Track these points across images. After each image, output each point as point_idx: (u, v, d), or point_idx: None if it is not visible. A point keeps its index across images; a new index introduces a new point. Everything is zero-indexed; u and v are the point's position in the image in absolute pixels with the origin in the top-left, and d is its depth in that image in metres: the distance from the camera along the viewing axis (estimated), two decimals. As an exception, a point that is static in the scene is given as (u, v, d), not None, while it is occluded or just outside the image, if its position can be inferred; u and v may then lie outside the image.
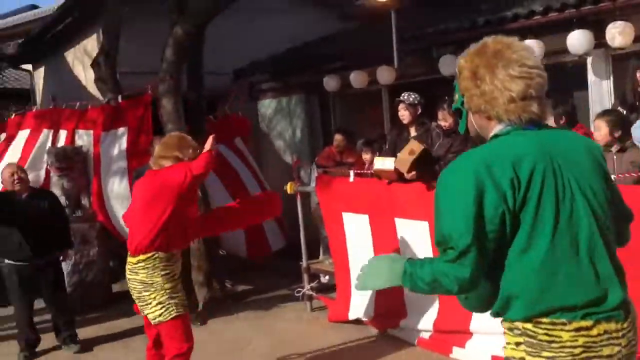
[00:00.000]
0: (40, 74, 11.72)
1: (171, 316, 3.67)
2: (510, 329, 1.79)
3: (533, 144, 1.79)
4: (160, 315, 3.66)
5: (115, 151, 7.12)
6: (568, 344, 1.71)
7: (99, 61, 7.60)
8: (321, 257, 6.55)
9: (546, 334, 1.73)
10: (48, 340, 5.49)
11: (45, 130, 7.19)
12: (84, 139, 7.25)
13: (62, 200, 6.66)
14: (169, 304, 3.68)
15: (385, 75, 7.35)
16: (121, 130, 7.20)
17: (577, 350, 1.71)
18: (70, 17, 9.30)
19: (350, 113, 8.81)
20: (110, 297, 6.83)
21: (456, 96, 1.98)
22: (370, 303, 5.20)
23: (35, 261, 5.16)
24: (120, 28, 7.60)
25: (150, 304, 3.68)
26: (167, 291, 3.70)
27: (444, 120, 5.05)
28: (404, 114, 5.34)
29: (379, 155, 5.41)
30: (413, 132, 5.38)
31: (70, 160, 6.96)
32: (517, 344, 1.78)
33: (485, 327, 4.44)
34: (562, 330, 1.72)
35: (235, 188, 7.62)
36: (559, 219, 1.74)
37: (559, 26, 5.83)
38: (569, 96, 5.81)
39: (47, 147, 7.13)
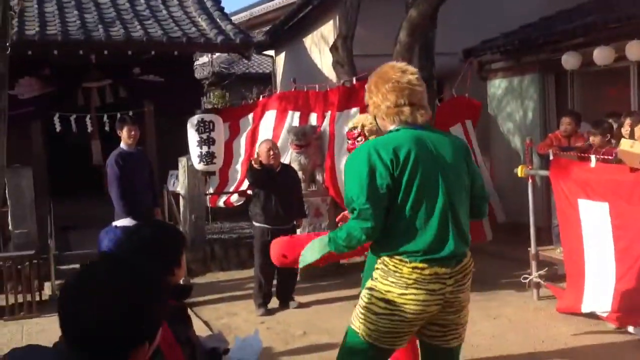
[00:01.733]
0: (281, 59, 12.80)
1: None
2: (382, 262, 2.58)
3: (411, 137, 2.55)
4: None
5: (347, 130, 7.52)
6: (405, 275, 2.51)
7: (337, 45, 8.05)
8: (554, 245, 6.22)
9: (394, 266, 2.54)
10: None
11: (290, 112, 7.85)
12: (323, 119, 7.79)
13: (299, 175, 7.27)
14: None
15: (636, 50, 6.64)
16: (353, 110, 7.54)
17: (410, 281, 2.50)
18: (311, 5, 9.97)
19: (590, 93, 8.15)
20: (339, 267, 7.29)
21: None
22: (607, 297, 4.81)
23: (284, 226, 5.78)
24: (358, 13, 7.95)
25: None
26: None
27: None
28: None
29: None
30: None
31: (308, 138, 7.53)
32: (376, 269, 2.61)
33: None
34: (404, 266, 2.51)
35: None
36: (422, 192, 2.50)
37: None
38: None
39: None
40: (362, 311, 2.63)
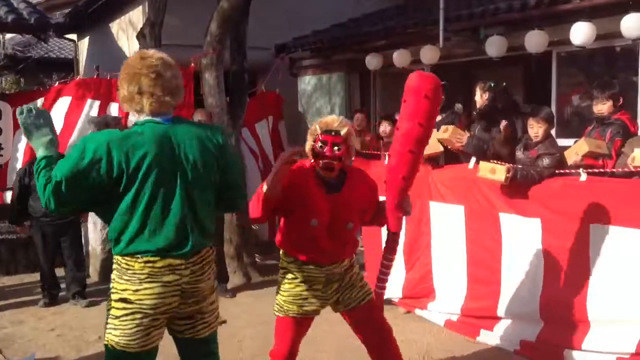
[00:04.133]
0: (84, 44, 11.92)
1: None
2: (116, 262, 2.56)
3: (153, 136, 2.48)
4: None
5: (156, 123, 7.17)
6: (138, 271, 2.49)
7: (145, 33, 7.63)
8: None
9: (126, 264, 2.51)
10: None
11: (89, 100, 7.27)
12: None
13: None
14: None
15: (428, 55, 7.20)
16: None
17: (143, 276, 2.49)
18: (118, -12, 9.39)
19: (391, 92, 8.69)
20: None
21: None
22: (398, 284, 5.17)
23: (63, 220, 5.72)
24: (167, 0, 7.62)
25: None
26: None
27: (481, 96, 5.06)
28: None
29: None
30: (438, 117, 5.32)
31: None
32: (113, 269, 2.58)
33: (514, 312, 4.39)
34: (135, 262, 2.49)
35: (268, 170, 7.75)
36: (156, 192, 2.47)
37: (614, 8, 5.58)
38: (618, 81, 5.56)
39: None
40: (107, 321, 2.58)
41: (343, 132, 3.00)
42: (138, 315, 2.50)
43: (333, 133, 2.99)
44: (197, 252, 2.60)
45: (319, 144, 3.01)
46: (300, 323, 3.23)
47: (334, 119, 3.07)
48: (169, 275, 2.51)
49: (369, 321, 3.27)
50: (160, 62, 2.53)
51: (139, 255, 2.49)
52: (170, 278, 2.51)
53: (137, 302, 2.49)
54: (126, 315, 2.51)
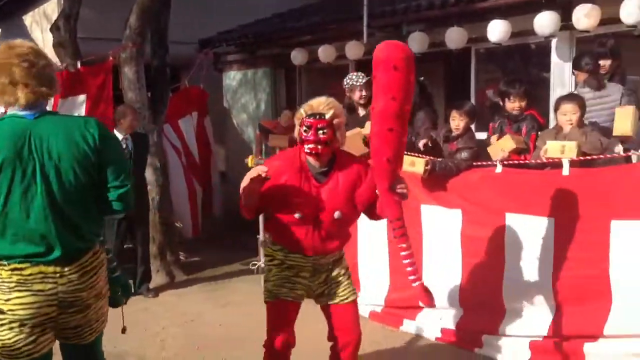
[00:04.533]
0: (-3, 36, 11.32)
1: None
2: None
3: (10, 132, 2.30)
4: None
5: (73, 118, 6.90)
6: (6, 279, 2.33)
7: (59, 25, 7.35)
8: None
9: None
10: None
11: None
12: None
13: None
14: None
15: (353, 50, 7.26)
16: (81, 97, 6.98)
17: (12, 284, 2.32)
18: (30, -22, 8.97)
19: (316, 87, 8.70)
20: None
21: None
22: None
23: None
24: (82, -9, 7.35)
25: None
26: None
27: None
28: (365, 95, 5.35)
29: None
30: (362, 111, 5.41)
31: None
32: None
33: (435, 301, 4.49)
34: (2, 269, 2.32)
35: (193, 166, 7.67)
36: (12, 193, 2.29)
37: (527, 7, 5.80)
38: (531, 78, 5.79)
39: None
40: None
41: (328, 115, 2.86)
42: (15, 325, 2.35)
43: (318, 116, 2.87)
44: (75, 258, 2.41)
45: (304, 128, 2.90)
46: (291, 307, 3.15)
47: (320, 102, 2.92)
48: (40, 283, 2.34)
49: (341, 322, 3.20)
50: (30, 50, 2.37)
51: (5, 262, 2.32)
52: (42, 287, 2.34)
53: (10, 312, 2.34)
54: (2, 325, 2.35)
